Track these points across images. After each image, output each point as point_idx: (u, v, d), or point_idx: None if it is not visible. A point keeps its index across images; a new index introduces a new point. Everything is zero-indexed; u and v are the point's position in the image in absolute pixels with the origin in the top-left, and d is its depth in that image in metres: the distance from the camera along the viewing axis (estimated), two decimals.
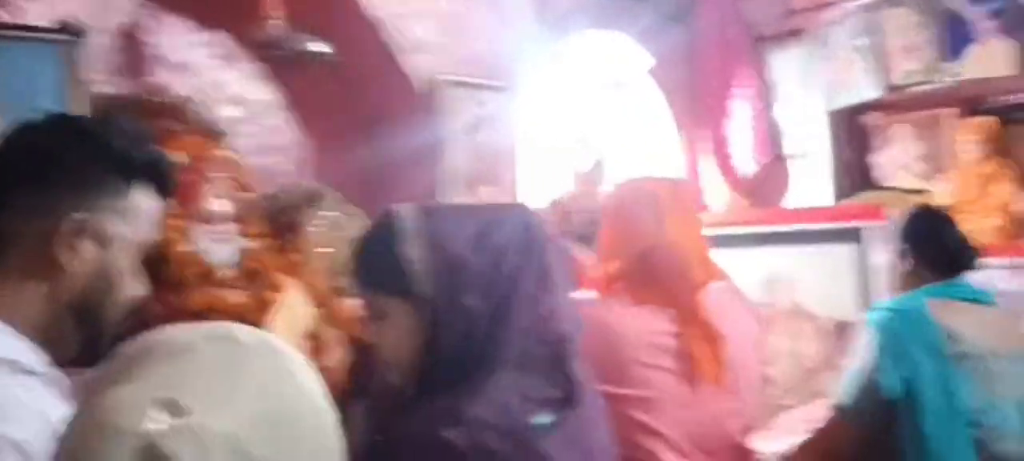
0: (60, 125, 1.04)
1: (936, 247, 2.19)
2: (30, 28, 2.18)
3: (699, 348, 1.71)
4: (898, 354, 2.01)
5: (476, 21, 3.25)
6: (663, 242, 1.76)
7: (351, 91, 3.12)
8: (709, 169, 4.20)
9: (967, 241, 2.21)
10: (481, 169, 3.26)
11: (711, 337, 1.73)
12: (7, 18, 2.15)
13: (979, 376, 1.95)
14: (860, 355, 2.26)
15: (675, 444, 1.68)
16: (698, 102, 4.27)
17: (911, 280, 2.20)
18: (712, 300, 1.73)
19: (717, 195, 4.17)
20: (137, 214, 1.01)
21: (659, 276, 1.73)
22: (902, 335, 2.02)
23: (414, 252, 1.24)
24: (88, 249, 0.97)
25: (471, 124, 3.23)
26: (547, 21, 3.50)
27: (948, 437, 1.91)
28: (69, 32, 2.21)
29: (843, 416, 2.15)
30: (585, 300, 1.71)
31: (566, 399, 1.24)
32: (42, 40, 2.19)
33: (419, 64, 3.09)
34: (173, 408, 0.59)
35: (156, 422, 0.58)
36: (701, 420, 1.69)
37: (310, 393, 0.67)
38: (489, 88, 3.27)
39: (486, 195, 3.26)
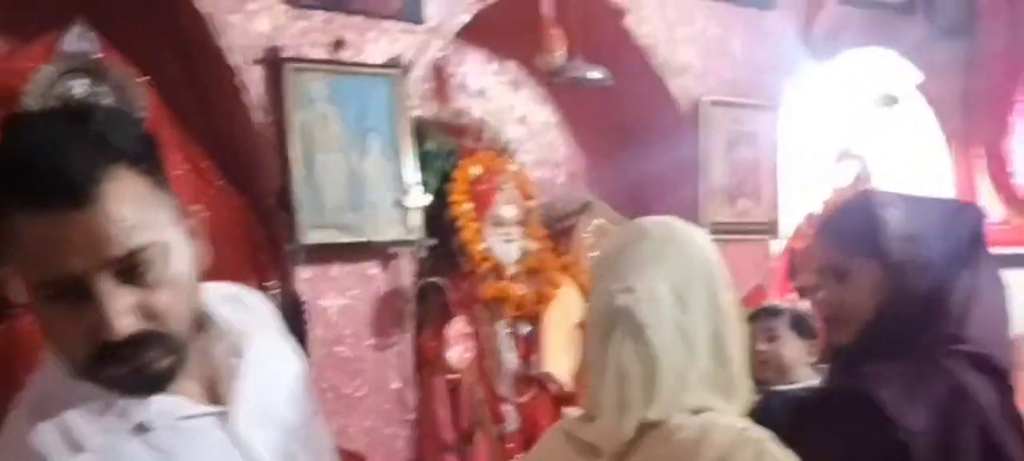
0: None
1: None
2: (367, 65, 2.69)
3: None
4: None
5: (739, 44, 3.43)
6: None
7: (621, 111, 3.43)
8: (984, 186, 4.04)
9: None
10: (740, 183, 3.43)
11: None
12: (347, 57, 2.66)
13: None
14: None
15: None
16: (975, 117, 4.12)
17: None
18: None
19: (992, 212, 3.99)
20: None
21: None
22: None
23: (891, 218, 1.44)
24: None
25: (731, 141, 3.41)
26: (811, 40, 3.59)
27: None
28: (397, 67, 2.70)
29: None
30: None
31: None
32: (376, 74, 2.68)
33: (684, 85, 3.32)
34: (627, 289, 1.14)
35: (622, 299, 1.14)
36: None
37: (702, 261, 1.17)
38: (749, 106, 3.43)
39: (744, 207, 3.42)
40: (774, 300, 2.89)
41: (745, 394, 1.16)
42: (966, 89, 4.11)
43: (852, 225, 1.49)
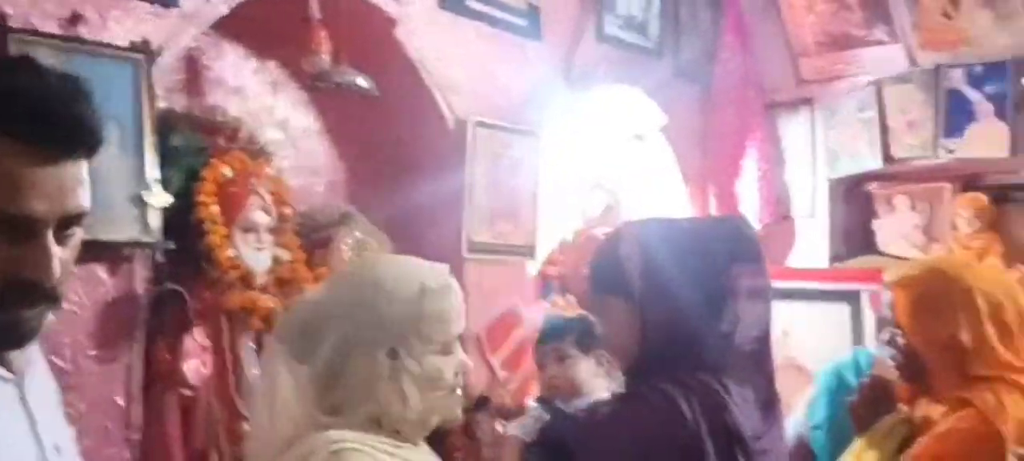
0: None
1: None
2: (108, 45, 2.43)
3: None
4: (818, 402, 2.28)
5: (504, 69, 3.51)
6: None
7: (387, 124, 3.37)
8: None
9: None
10: (501, 205, 3.49)
11: None
12: (87, 34, 2.40)
13: None
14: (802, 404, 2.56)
15: None
16: (708, 159, 4.50)
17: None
18: None
19: None
20: None
21: None
22: (827, 386, 2.28)
23: (629, 256, 1.43)
24: None
25: (494, 163, 3.46)
26: (570, 74, 3.75)
27: None
28: (142, 51, 2.47)
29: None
30: None
31: (769, 401, 1.43)
32: (118, 57, 2.44)
33: (452, 104, 3.33)
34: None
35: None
36: None
37: (376, 281, 1.31)
38: (512, 131, 3.51)
39: (503, 229, 3.48)
40: (560, 314, 2.92)
41: (358, 418, 1.28)
42: (704, 130, 4.48)
43: (599, 265, 1.53)
